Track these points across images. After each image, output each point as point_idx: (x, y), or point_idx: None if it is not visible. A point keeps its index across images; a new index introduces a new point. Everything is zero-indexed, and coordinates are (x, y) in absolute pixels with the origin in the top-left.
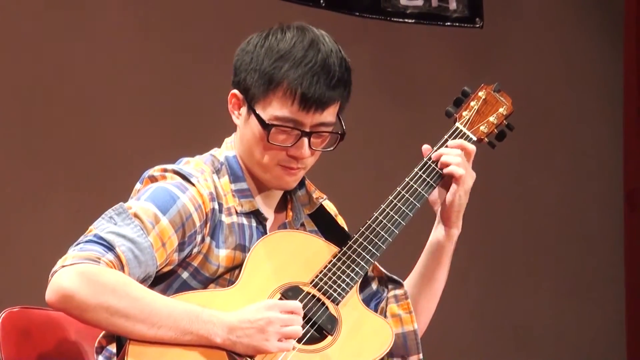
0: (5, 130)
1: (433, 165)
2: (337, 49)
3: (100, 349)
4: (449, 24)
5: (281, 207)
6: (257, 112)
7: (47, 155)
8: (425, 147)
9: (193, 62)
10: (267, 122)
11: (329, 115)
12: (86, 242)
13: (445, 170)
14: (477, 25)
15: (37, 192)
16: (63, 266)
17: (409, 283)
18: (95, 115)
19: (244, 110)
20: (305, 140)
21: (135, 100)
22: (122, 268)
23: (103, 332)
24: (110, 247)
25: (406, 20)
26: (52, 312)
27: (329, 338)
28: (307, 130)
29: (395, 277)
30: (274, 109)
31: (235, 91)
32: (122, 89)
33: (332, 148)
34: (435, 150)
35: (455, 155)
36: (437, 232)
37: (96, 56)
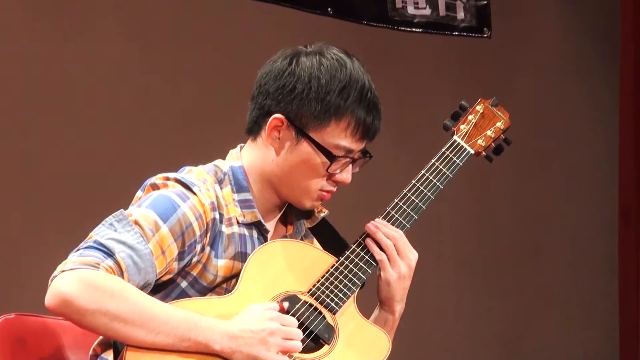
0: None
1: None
2: None
3: (94, 357)
4: (456, 33)
5: (282, 220)
6: (316, 140)
7: (41, 162)
8: (368, 226)
9: (194, 71)
10: (332, 152)
11: None
12: (86, 247)
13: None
14: (485, 35)
15: (33, 200)
16: (63, 271)
17: None
18: (90, 124)
19: (288, 134)
20: (350, 166)
21: (131, 109)
22: (121, 274)
23: (98, 339)
24: (109, 253)
25: (413, 29)
26: (48, 319)
27: (326, 347)
28: (355, 157)
29: None
30: (334, 138)
31: (281, 116)
32: (118, 99)
33: (357, 170)
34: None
35: (379, 249)
36: (376, 310)
37: (90, 67)
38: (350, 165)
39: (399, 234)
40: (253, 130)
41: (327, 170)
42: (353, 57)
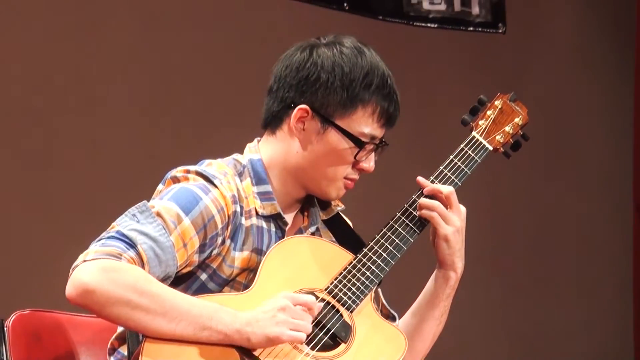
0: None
1: (412, 211)
2: None
3: (112, 351)
4: (471, 29)
5: (299, 212)
6: (344, 128)
7: (56, 156)
8: (419, 179)
9: (208, 66)
10: (360, 139)
11: None
12: (108, 238)
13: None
14: (500, 31)
15: (48, 193)
16: (85, 261)
17: (403, 320)
18: (107, 118)
19: (313, 125)
20: (374, 154)
21: (149, 104)
22: (142, 266)
23: (115, 334)
24: (132, 245)
25: (428, 24)
26: (62, 315)
27: (342, 346)
28: (378, 144)
29: (392, 311)
30: (360, 125)
31: (306, 106)
32: (135, 92)
33: (376, 158)
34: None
35: (429, 206)
36: (436, 272)
37: (107, 60)
38: (374, 153)
39: (448, 189)
40: (272, 123)
41: (355, 158)
42: (368, 45)
